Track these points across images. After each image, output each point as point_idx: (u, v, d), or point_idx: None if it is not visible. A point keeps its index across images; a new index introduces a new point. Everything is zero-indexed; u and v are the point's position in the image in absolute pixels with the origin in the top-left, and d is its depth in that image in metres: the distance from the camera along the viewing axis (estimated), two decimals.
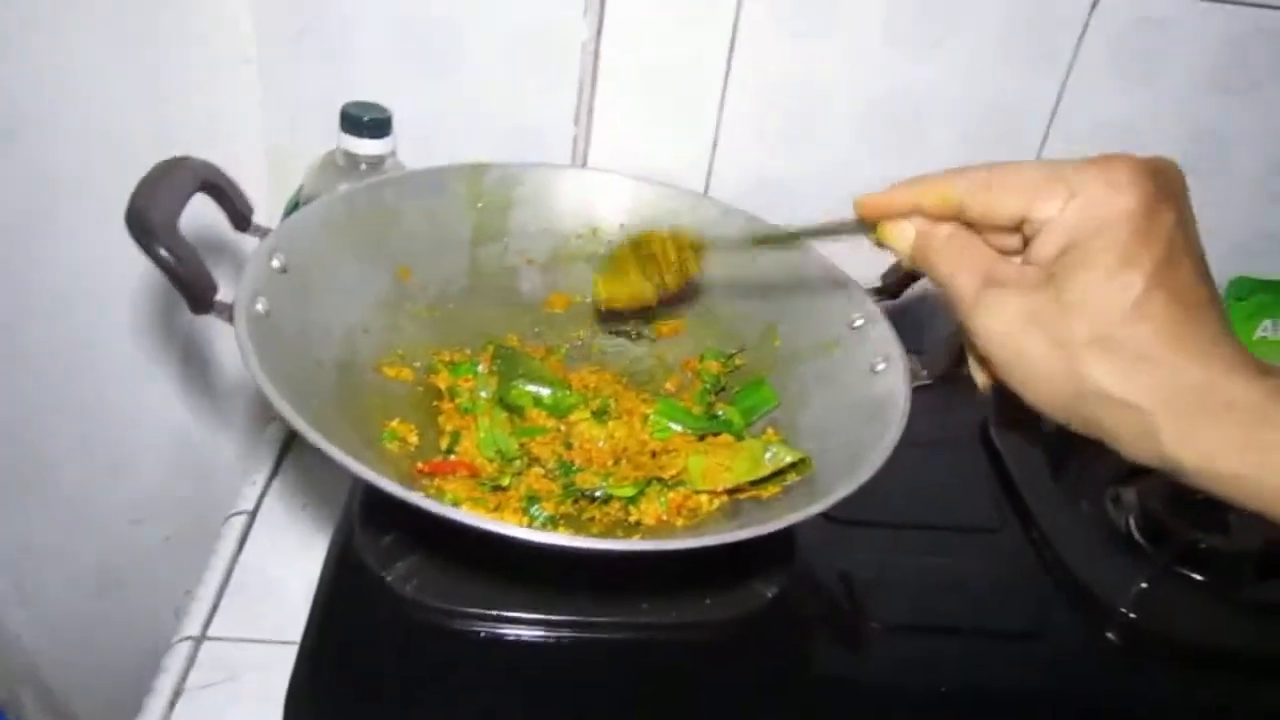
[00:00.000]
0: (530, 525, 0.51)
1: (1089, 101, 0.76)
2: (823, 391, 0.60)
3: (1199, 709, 0.57)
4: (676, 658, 0.54)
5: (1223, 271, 0.83)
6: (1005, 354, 0.40)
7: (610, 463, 0.57)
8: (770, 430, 0.59)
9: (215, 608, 0.60)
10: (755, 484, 0.54)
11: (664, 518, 0.53)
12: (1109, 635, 0.60)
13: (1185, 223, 0.38)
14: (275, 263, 0.54)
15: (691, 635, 0.55)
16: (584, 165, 0.77)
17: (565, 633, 0.54)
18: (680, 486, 0.54)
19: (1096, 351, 0.37)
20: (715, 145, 0.75)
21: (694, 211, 0.69)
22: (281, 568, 0.63)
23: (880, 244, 0.45)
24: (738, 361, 0.65)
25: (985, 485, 0.68)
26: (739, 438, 0.59)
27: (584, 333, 0.67)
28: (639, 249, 0.58)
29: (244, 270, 0.52)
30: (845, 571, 0.61)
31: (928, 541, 0.64)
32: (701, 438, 0.59)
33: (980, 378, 0.45)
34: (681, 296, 0.63)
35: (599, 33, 0.70)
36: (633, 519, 0.53)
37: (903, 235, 0.44)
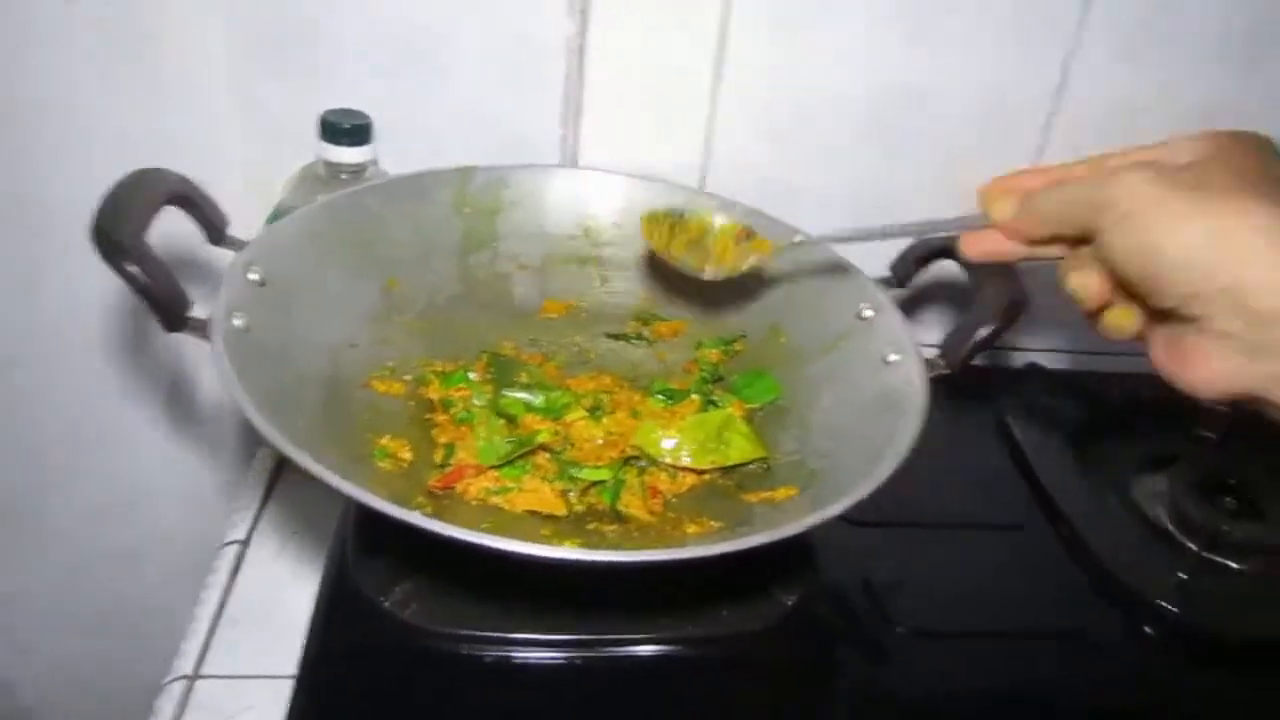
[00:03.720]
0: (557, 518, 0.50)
1: (1093, 83, 0.74)
2: (834, 388, 0.57)
3: (1246, 702, 0.54)
4: (695, 674, 0.51)
5: None
6: None
7: (610, 459, 0.54)
8: (734, 406, 0.57)
9: (208, 644, 0.57)
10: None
11: (653, 510, 0.51)
12: (1148, 630, 0.57)
13: None
14: (253, 275, 0.51)
15: (710, 650, 0.52)
16: (579, 166, 0.74)
17: (576, 653, 0.51)
18: (653, 468, 0.54)
19: None
20: (708, 142, 0.72)
21: (691, 208, 0.67)
22: (277, 599, 0.60)
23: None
24: (738, 348, 0.63)
25: (1007, 480, 0.66)
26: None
27: (581, 338, 0.65)
28: (686, 231, 0.57)
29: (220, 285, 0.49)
30: (867, 576, 0.58)
31: (951, 541, 0.61)
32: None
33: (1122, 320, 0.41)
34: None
35: (583, 31, 0.68)
36: (621, 508, 0.52)
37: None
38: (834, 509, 0.43)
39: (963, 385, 0.75)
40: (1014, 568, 0.60)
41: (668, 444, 0.55)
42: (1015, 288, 0.53)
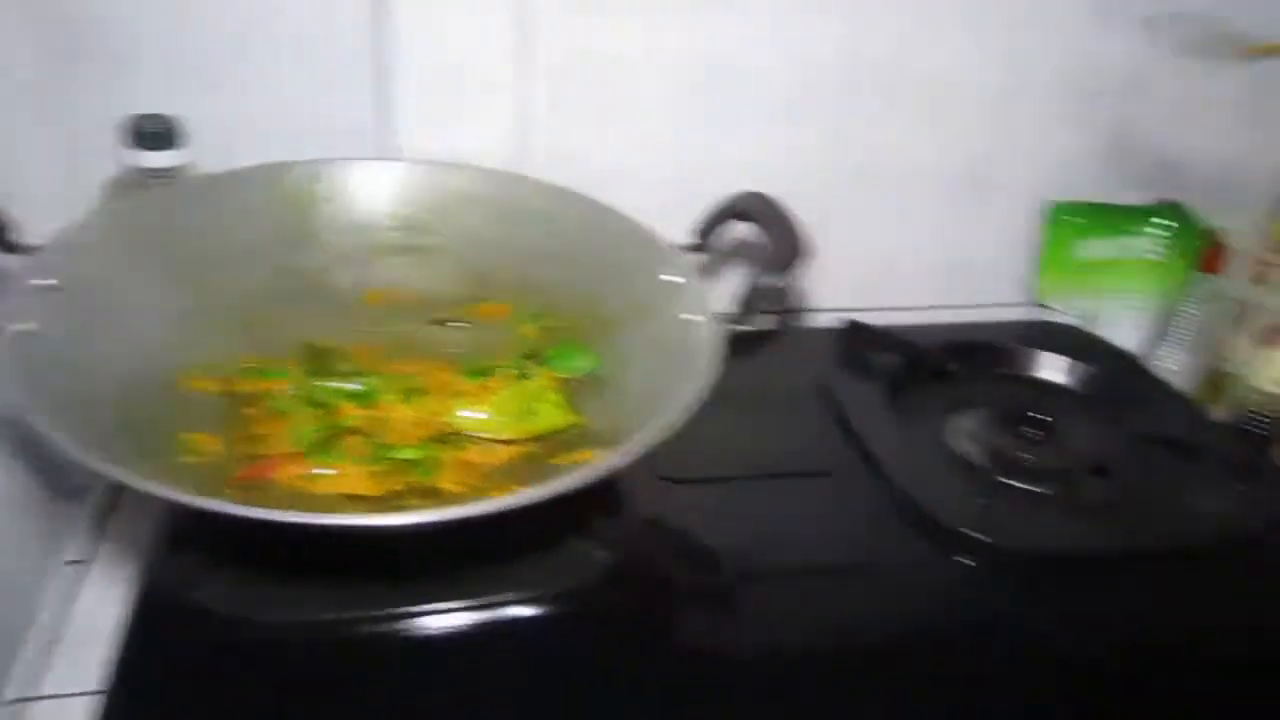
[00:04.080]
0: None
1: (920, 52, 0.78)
2: (646, 353, 0.60)
3: (1057, 615, 0.57)
4: (517, 637, 0.53)
5: (1036, 196, 0.86)
6: None
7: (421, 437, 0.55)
8: (545, 377, 0.59)
9: (40, 665, 0.56)
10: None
11: (466, 483, 0.52)
12: (958, 558, 0.60)
13: None
14: (45, 280, 0.51)
15: (534, 610, 0.53)
16: (391, 157, 0.75)
17: (395, 625, 0.52)
18: (466, 443, 0.54)
19: None
20: (524, 125, 0.74)
21: (510, 191, 0.68)
22: (112, 617, 0.59)
23: None
24: (556, 324, 0.64)
25: (825, 431, 0.68)
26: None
27: (404, 325, 0.65)
28: None
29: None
30: (684, 529, 0.60)
31: (769, 491, 0.63)
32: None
33: None
34: None
35: (385, 23, 0.69)
36: (438, 485, 0.52)
37: None
38: (617, 460, 0.45)
39: (788, 345, 0.79)
40: (829, 511, 0.63)
41: (477, 418, 0.56)
42: (796, 238, 0.56)
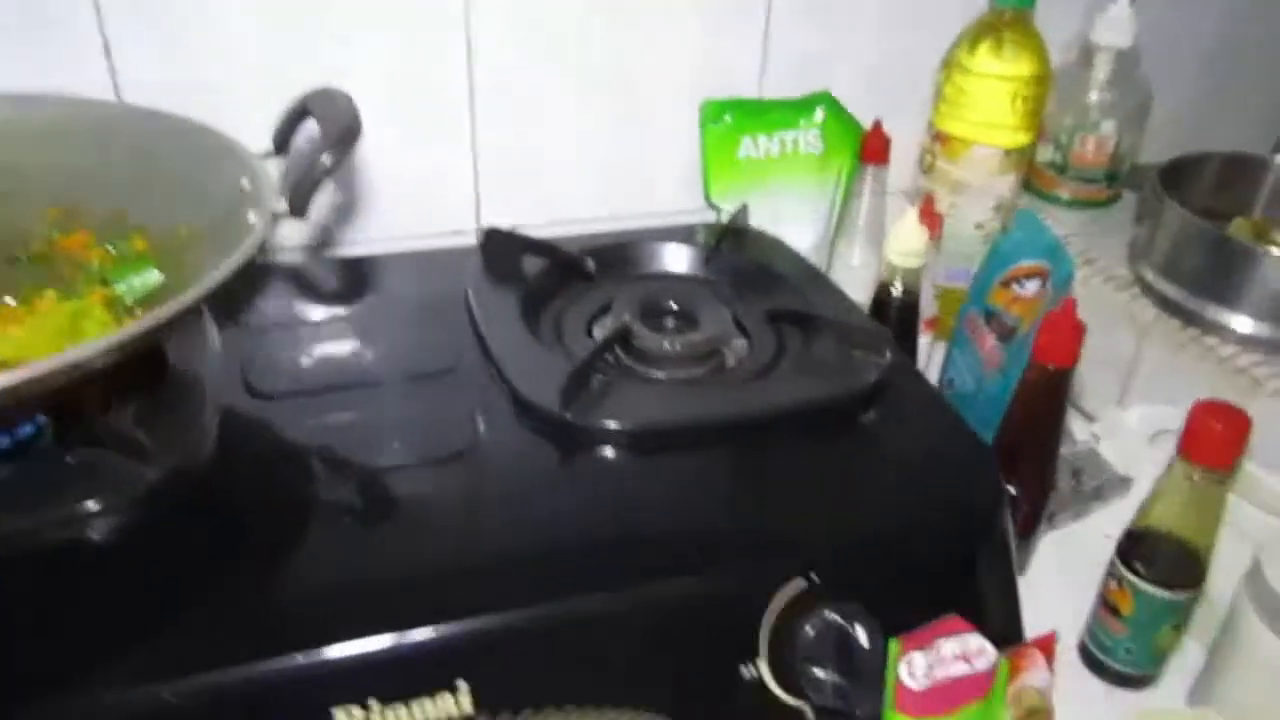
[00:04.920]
0: None
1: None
2: (216, 260, 0.56)
3: (662, 482, 0.56)
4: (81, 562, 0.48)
5: (694, 99, 0.86)
6: None
7: None
8: (95, 296, 0.56)
9: None
10: None
11: None
12: (564, 442, 0.58)
13: None
14: None
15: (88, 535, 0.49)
16: None
17: None
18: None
19: None
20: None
21: (100, 118, 0.64)
22: None
23: None
24: (128, 248, 0.61)
25: (455, 339, 0.66)
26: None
27: None
28: None
29: None
30: (280, 443, 0.57)
31: (391, 394, 0.61)
32: None
33: None
34: None
35: None
36: None
37: None
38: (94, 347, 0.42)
39: (438, 264, 0.77)
40: (449, 405, 0.61)
41: (17, 339, 0.52)
42: (348, 115, 0.54)
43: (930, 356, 0.82)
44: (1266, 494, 0.63)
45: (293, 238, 0.82)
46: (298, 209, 0.54)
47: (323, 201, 0.81)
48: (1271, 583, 0.54)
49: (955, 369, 0.78)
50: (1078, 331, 0.58)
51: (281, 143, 0.60)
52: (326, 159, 0.53)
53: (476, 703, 0.45)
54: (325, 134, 0.54)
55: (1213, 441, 0.53)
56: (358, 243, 0.83)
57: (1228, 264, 0.70)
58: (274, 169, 0.59)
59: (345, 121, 0.54)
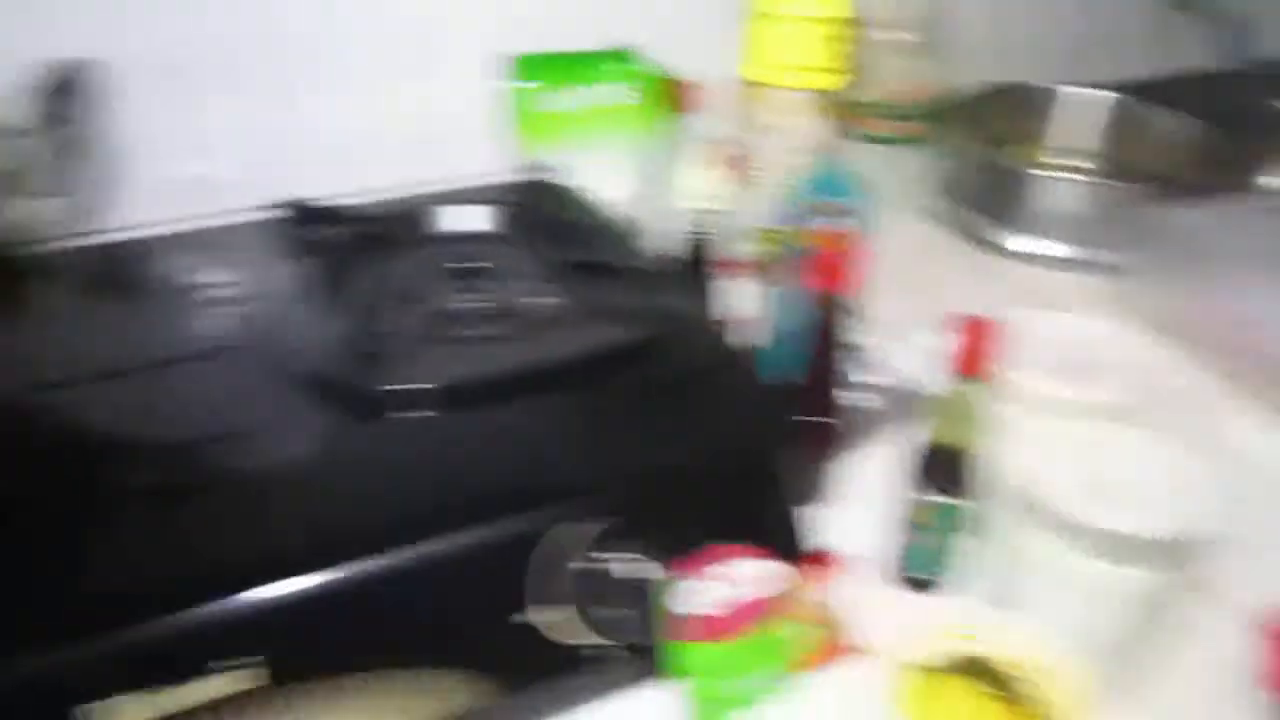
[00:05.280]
0: None
1: None
2: None
3: (453, 440, 0.57)
4: None
5: (494, 54, 0.86)
6: None
7: None
8: None
9: None
10: None
11: None
12: (351, 407, 0.58)
13: None
14: None
15: None
16: None
17: None
18: None
19: None
20: None
21: None
22: None
23: None
24: None
25: (252, 315, 0.65)
26: None
27: None
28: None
29: None
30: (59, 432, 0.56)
31: (159, 379, 0.60)
32: None
33: None
34: None
35: None
36: None
37: None
38: None
39: (233, 240, 0.75)
40: (241, 382, 0.60)
41: None
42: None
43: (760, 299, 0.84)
44: (1029, 400, 0.66)
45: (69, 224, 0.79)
46: (54, 189, 0.52)
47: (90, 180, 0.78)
48: (1009, 479, 0.57)
49: (777, 308, 0.80)
50: (842, 259, 0.60)
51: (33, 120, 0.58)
52: (75, 128, 0.51)
53: (272, 676, 0.46)
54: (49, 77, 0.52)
55: (968, 351, 0.56)
56: (143, 225, 0.80)
57: (1003, 187, 0.73)
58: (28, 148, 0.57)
59: (61, 71, 0.52)
